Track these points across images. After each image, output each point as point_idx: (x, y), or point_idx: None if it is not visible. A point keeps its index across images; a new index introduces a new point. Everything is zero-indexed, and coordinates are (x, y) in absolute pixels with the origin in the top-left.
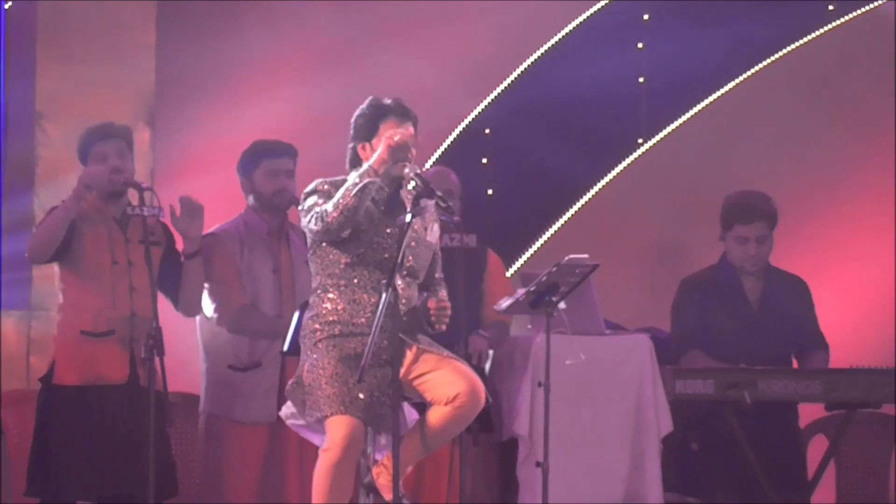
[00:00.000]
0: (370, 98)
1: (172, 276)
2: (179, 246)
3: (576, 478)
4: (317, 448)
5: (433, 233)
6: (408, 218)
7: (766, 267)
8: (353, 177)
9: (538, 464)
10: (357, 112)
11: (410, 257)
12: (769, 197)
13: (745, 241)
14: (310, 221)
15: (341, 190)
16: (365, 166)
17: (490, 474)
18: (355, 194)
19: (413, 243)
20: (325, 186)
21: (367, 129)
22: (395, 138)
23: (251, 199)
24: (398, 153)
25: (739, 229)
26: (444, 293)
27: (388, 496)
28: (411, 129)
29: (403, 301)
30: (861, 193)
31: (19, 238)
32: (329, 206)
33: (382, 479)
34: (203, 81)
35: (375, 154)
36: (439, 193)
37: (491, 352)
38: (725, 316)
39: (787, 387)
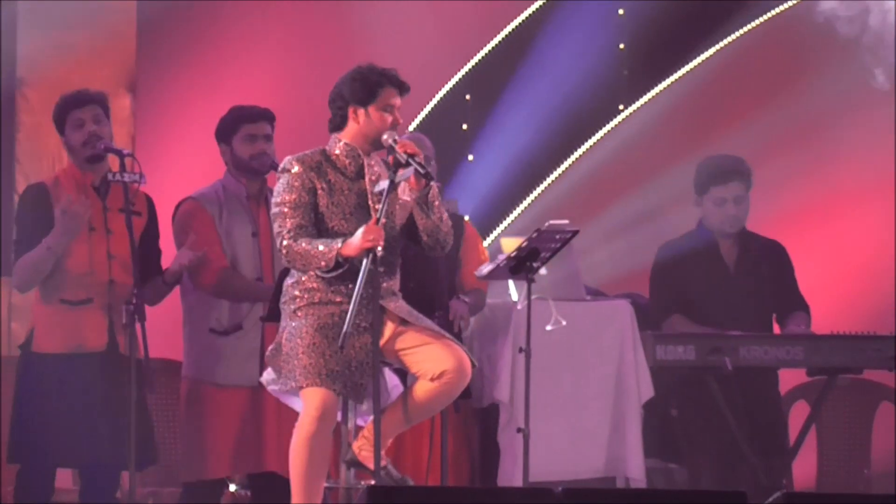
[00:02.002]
0: (367, 64)
1: (145, 257)
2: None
3: (557, 444)
4: (296, 415)
5: (403, 189)
6: (383, 185)
7: (742, 231)
8: (322, 247)
9: (519, 430)
10: (352, 74)
11: (384, 222)
12: (742, 158)
13: (723, 203)
14: (278, 235)
15: (311, 256)
16: (333, 251)
17: (471, 440)
18: (313, 265)
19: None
20: (294, 167)
21: (365, 94)
22: (374, 244)
23: (230, 164)
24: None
25: (716, 191)
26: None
27: (372, 467)
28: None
29: (382, 269)
30: (842, 158)
31: None
32: (295, 254)
33: (365, 451)
34: (184, 47)
35: (354, 242)
36: (419, 160)
37: (472, 319)
38: (703, 280)
39: (768, 352)
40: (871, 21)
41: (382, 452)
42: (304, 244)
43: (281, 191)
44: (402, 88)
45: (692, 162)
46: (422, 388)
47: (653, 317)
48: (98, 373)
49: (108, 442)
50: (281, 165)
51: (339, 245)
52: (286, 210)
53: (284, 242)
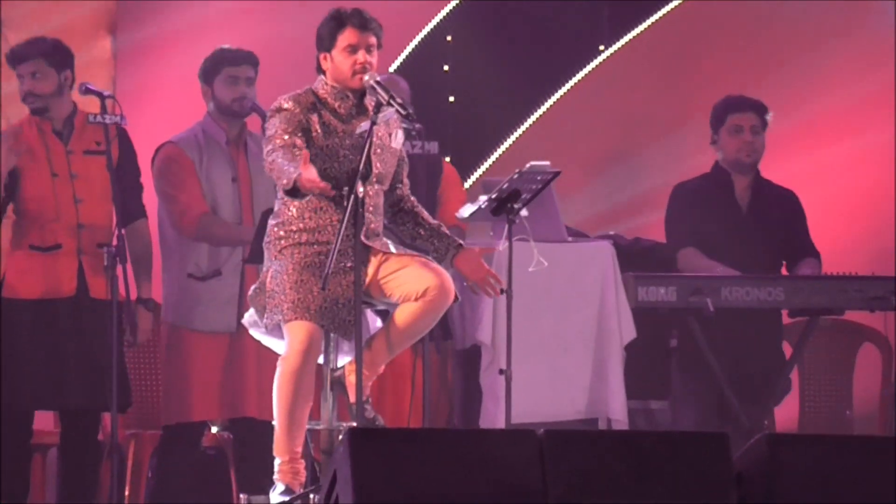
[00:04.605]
0: (332, 9)
1: (123, 194)
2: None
3: (538, 385)
4: (276, 359)
5: (397, 139)
6: (364, 127)
7: (757, 175)
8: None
9: (501, 371)
10: (321, 22)
11: (378, 164)
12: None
13: (740, 131)
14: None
15: (278, 170)
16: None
17: (452, 382)
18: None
19: (378, 150)
20: (287, 105)
21: (328, 40)
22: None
23: (211, 105)
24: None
25: (733, 119)
26: (425, 215)
27: (353, 397)
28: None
29: (371, 208)
30: (855, 100)
31: None
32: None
33: (353, 377)
34: None
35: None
36: (399, 101)
37: None
38: (715, 219)
39: (750, 293)
40: None
41: (366, 394)
42: (278, 158)
43: (276, 124)
44: (364, 26)
45: (672, 101)
46: (405, 311)
47: (668, 250)
48: (70, 318)
49: (86, 385)
50: (275, 105)
51: (296, 175)
52: (279, 132)
53: (269, 153)
